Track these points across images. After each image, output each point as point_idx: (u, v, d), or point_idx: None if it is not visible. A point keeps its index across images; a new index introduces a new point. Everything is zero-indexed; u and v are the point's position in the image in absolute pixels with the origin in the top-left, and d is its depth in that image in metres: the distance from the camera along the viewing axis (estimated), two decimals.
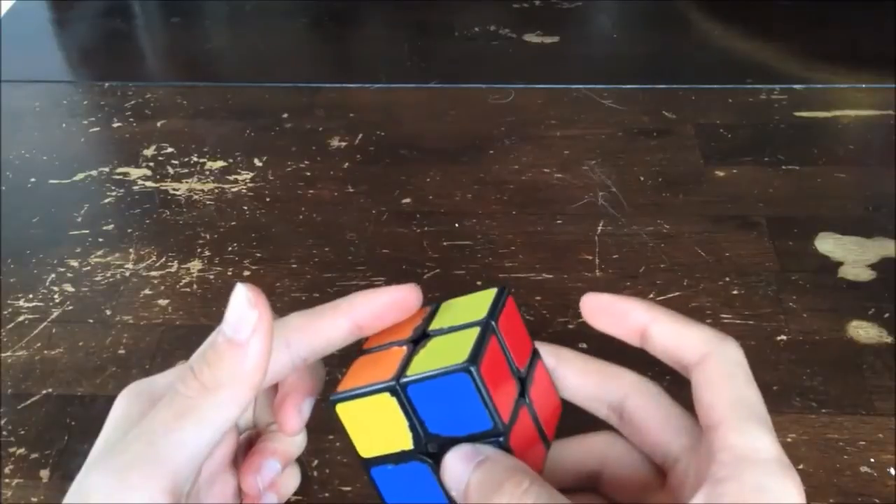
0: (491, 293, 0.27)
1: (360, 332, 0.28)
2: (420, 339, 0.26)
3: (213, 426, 0.23)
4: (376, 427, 0.25)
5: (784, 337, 0.45)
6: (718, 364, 0.25)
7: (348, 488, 0.39)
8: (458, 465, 0.24)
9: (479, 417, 0.24)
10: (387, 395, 0.24)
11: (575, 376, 0.29)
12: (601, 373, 0.28)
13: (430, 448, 0.25)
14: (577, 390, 0.29)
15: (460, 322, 0.26)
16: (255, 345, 0.23)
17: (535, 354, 0.28)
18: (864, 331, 0.46)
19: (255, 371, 0.23)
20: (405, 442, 0.25)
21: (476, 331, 0.25)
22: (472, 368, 0.23)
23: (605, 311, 0.27)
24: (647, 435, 0.27)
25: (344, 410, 0.25)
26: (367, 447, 0.26)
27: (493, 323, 0.26)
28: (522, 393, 0.26)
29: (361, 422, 0.25)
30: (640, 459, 0.28)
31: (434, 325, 0.27)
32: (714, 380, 0.25)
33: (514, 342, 0.27)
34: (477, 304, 0.27)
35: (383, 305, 0.27)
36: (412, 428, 0.25)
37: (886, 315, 0.46)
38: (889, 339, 0.45)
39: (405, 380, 0.24)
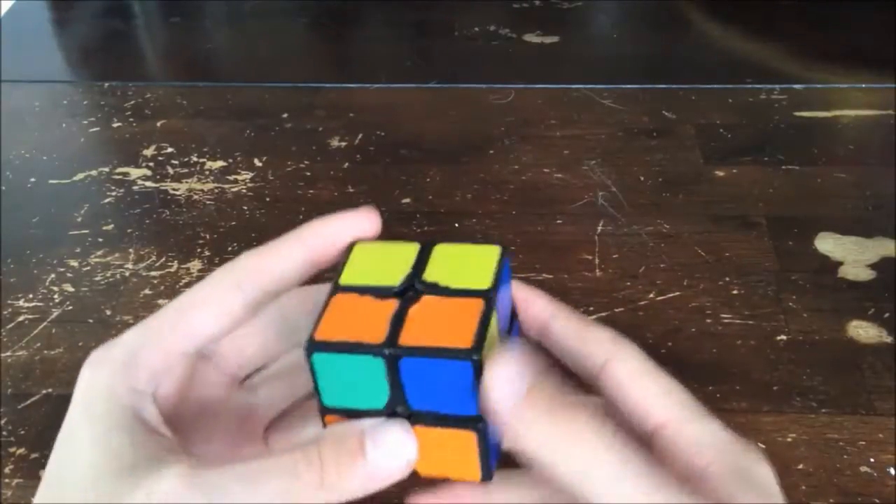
0: (492, 254, 0.25)
1: (315, 265, 0.26)
2: (409, 289, 0.24)
3: None
4: (349, 383, 0.24)
5: (784, 337, 0.45)
6: (632, 362, 0.24)
7: None
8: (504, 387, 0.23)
9: (465, 403, 0.23)
10: (372, 357, 0.23)
11: (559, 342, 0.27)
12: (582, 338, 0.26)
13: (398, 411, 0.24)
14: (561, 355, 0.27)
15: (459, 285, 0.24)
16: (386, 483, 0.23)
17: (514, 316, 0.27)
18: (864, 331, 0.46)
19: (367, 494, 0.23)
20: (376, 402, 0.24)
21: (479, 305, 0.23)
22: (476, 358, 0.22)
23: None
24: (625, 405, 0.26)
25: (320, 361, 0.23)
26: (332, 398, 0.24)
27: (493, 297, 0.24)
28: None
29: (334, 375, 0.24)
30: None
31: (427, 277, 0.25)
32: (635, 378, 0.24)
33: (504, 307, 0.26)
34: (476, 262, 0.25)
35: (339, 233, 0.26)
36: (391, 393, 0.23)
37: (886, 315, 0.46)
38: (889, 339, 0.45)
39: (398, 351, 0.23)
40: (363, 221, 0.26)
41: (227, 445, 0.28)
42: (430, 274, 0.25)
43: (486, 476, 0.25)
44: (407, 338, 0.23)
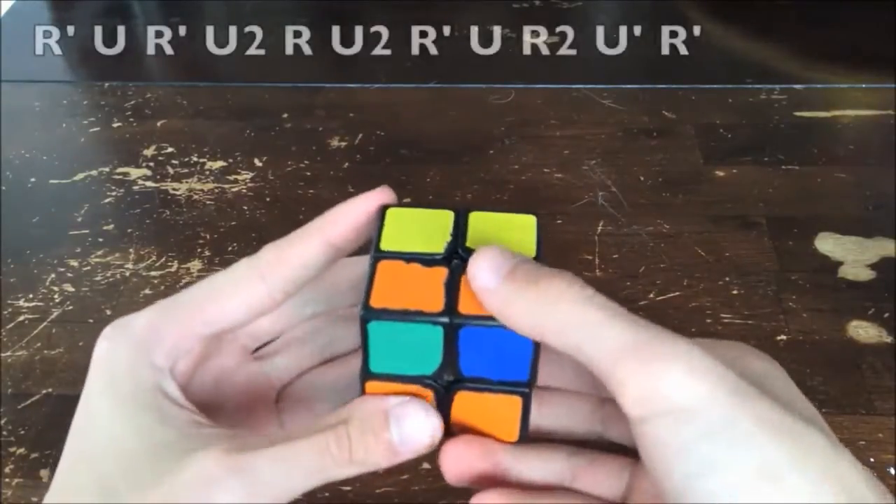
0: (529, 224, 0.26)
1: (337, 251, 0.26)
2: (454, 256, 0.25)
3: (328, 481, 0.24)
4: (401, 350, 0.24)
5: (784, 337, 0.45)
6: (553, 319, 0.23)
7: (348, 488, 0.39)
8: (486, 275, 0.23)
9: (518, 370, 0.24)
10: (432, 326, 0.23)
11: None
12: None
13: (446, 376, 0.24)
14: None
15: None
16: (409, 457, 0.24)
17: None
18: (863, 331, 0.46)
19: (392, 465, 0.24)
20: (425, 369, 0.24)
21: None
22: None
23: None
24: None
25: (376, 329, 0.24)
26: (380, 364, 0.24)
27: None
28: None
29: (388, 342, 0.24)
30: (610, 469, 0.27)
31: (471, 244, 0.25)
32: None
33: None
34: (516, 232, 0.25)
35: (358, 218, 0.26)
36: (443, 360, 0.24)
37: (886, 315, 0.46)
38: (889, 339, 0.45)
39: (459, 319, 0.23)
40: (381, 202, 0.26)
41: (239, 412, 0.28)
42: (473, 241, 0.25)
43: (523, 437, 0.26)
44: (465, 307, 0.23)
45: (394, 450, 0.23)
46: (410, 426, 0.24)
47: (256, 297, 0.26)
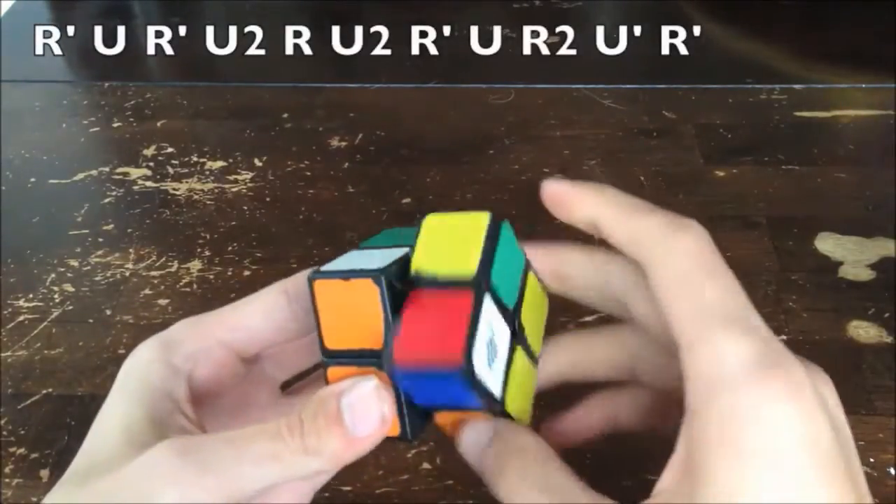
0: (482, 222, 0.25)
1: None
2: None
3: (286, 476, 0.23)
4: (350, 317, 0.24)
5: (784, 337, 0.45)
6: (669, 263, 0.23)
7: (348, 488, 0.39)
8: (472, 439, 0.24)
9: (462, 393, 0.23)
10: (369, 282, 0.23)
11: (579, 277, 0.28)
12: (604, 268, 0.27)
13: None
14: (582, 291, 0.28)
15: (446, 272, 0.24)
16: (367, 445, 0.23)
17: (527, 266, 0.27)
18: (864, 331, 0.46)
19: (353, 458, 0.23)
20: (376, 341, 0.24)
21: (468, 302, 0.23)
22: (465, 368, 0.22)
23: (559, 200, 0.26)
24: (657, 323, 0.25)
25: (320, 289, 0.24)
26: (335, 339, 0.24)
27: (483, 286, 0.23)
28: (514, 331, 0.25)
29: (335, 307, 0.24)
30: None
31: (416, 261, 0.24)
32: (666, 285, 0.23)
33: (505, 272, 0.25)
34: (466, 239, 0.24)
35: None
36: (386, 324, 0.23)
37: (886, 315, 0.46)
38: (889, 339, 0.45)
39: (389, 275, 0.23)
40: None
41: None
42: (420, 254, 0.25)
43: (405, 434, 0.25)
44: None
45: (346, 433, 0.23)
46: (360, 404, 0.23)
47: (275, 305, 0.27)
